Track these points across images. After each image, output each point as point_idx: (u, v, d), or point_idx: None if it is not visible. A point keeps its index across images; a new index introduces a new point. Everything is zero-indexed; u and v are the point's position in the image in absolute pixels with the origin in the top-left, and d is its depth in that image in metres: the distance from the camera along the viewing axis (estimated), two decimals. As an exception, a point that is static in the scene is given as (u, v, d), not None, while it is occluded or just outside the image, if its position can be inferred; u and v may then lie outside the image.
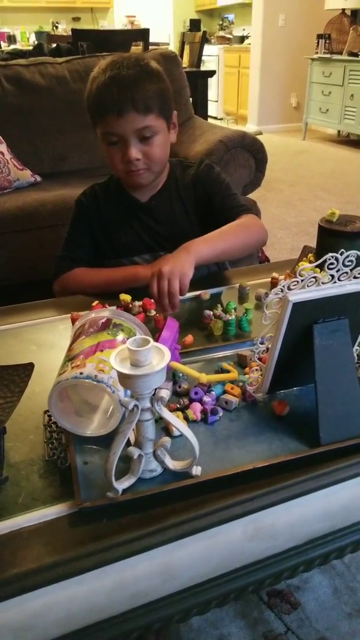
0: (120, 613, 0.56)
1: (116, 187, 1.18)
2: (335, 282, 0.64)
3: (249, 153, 1.96)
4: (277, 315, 0.64)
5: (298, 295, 0.62)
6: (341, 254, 0.62)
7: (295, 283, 0.62)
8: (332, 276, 0.64)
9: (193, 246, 0.99)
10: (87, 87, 1.08)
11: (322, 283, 0.63)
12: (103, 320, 0.72)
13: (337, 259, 0.63)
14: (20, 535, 0.55)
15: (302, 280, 0.62)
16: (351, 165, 4.58)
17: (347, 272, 0.64)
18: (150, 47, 3.30)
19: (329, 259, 0.62)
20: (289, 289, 0.62)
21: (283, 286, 0.62)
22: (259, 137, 2.02)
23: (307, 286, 0.63)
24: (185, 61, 4.31)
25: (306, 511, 0.64)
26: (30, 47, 4.43)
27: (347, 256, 0.63)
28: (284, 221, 3.21)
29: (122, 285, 1.08)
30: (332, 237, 0.92)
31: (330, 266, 0.63)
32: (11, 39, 6.96)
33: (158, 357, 0.56)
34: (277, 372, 0.70)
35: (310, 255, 1.05)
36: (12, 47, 5.89)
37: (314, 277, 0.63)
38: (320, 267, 0.63)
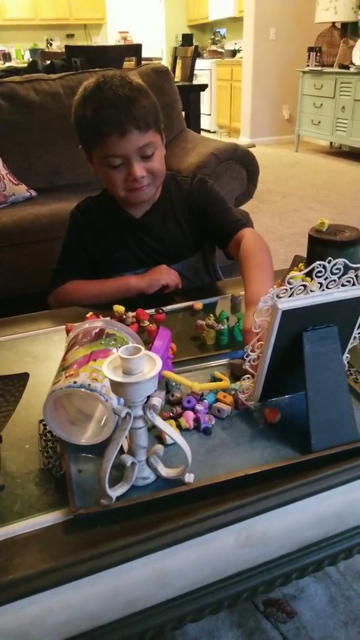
0: (114, 620, 0.57)
1: (110, 202, 1.18)
2: (323, 290, 0.65)
3: (240, 165, 1.98)
4: (267, 324, 0.66)
5: (287, 303, 0.64)
6: (329, 262, 0.64)
7: (285, 291, 0.63)
8: (321, 284, 0.65)
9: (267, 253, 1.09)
10: (77, 111, 1.07)
11: (311, 291, 0.65)
12: (96, 331, 0.73)
13: (325, 267, 0.64)
14: (16, 542, 0.55)
15: (291, 289, 0.64)
16: (343, 176, 4.63)
17: (335, 280, 0.65)
18: (143, 62, 3.35)
19: (317, 267, 0.63)
20: (278, 297, 0.63)
21: (272, 294, 0.63)
22: (252, 149, 2.05)
23: (296, 294, 0.64)
24: (177, 75, 4.36)
25: (298, 518, 0.65)
26: (25, 65, 4.49)
27: (335, 264, 0.64)
28: (277, 232, 3.23)
29: (114, 296, 1.09)
30: (321, 246, 0.93)
31: (319, 274, 0.64)
32: (6, 56, 7.03)
33: (149, 365, 0.57)
34: (269, 380, 0.71)
35: (300, 264, 1.07)
36: (7, 64, 5.96)
37: (303, 285, 0.64)
38: (309, 275, 0.65)
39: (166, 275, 1.12)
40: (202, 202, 1.20)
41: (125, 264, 1.18)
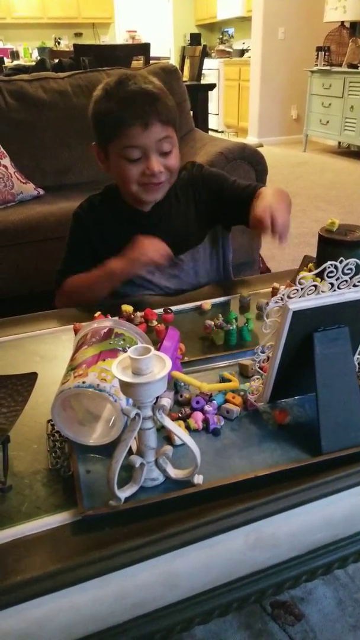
0: (122, 622, 0.56)
1: (114, 198, 1.17)
2: (334, 290, 0.65)
3: (249, 165, 1.97)
4: (277, 324, 0.65)
5: (298, 303, 0.63)
6: (340, 262, 0.63)
7: (295, 291, 0.63)
8: (332, 284, 0.64)
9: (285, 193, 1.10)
10: (98, 105, 1.07)
11: (322, 292, 0.64)
12: (105, 330, 0.72)
13: (336, 267, 0.63)
14: (24, 543, 0.55)
15: (301, 289, 0.63)
16: (352, 176, 4.60)
17: (346, 281, 0.65)
18: (151, 62, 3.35)
19: (329, 267, 0.63)
20: (288, 297, 0.63)
21: (283, 295, 0.63)
22: (259, 149, 2.04)
23: (307, 294, 0.64)
24: (185, 75, 4.36)
25: (308, 520, 0.64)
26: (33, 63, 4.50)
27: (347, 264, 0.63)
28: (285, 232, 3.22)
29: (104, 285, 1.08)
30: (332, 246, 0.93)
31: (330, 274, 0.63)
32: (14, 54, 7.06)
33: (159, 365, 0.56)
34: (278, 381, 0.70)
35: (310, 264, 1.06)
36: (16, 62, 5.98)
37: (314, 286, 0.63)
38: (320, 275, 0.64)
39: (149, 251, 1.05)
40: (208, 184, 1.20)
41: None
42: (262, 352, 0.70)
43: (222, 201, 1.19)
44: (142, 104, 1.02)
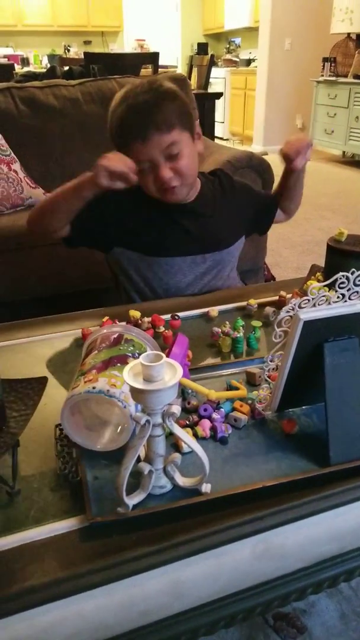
0: (128, 631, 0.56)
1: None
2: (345, 301, 0.65)
3: (256, 173, 1.98)
4: (287, 334, 0.65)
5: (309, 313, 0.63)
6: (352, 273, 0.63)
7: (307, 301, 0.63)
8: (343, 295, 0.64)
9: None
10: (110, 121, 1.11)
11: (334, 302, 0.64)
12: (115, 336, 0.72)
13: (348, 278, 0.63)
14: (31, 548, 0.55)
15: (312, 299, 0.63)
16: (356, 185, 4.62)
17: (357, 292, 0.65)
18: (160, 70, 3.38)
19: (340, 278, 0.63)
20: (299, 307, 0.63)
21: (294, 304, 0.63)
22: (264, 157, 2.04)
23: (318, 304, 0.64)
24: (193, 83, 4.39)
25: (315, 532, 0.64)
26: (43, 70, 4.53)
27: (358, 275, 0.63)
28: (289, 240, 3.23)
29: (69, 193, 1.06)
30: (341, 257, 0.93)
31: (341, 285, 0.63)
32: (24, 61, 7.12)
33: (170, 372, 0.56)
34: (287, 390, 0.70)
35: (318, 274, 1.06)
36: (26, 69, 6.03)
37: (324, 296, 0.63)
38: (329, 285, 0.64)
39: (114, 159, 1.01)
40: (244, 196, 1.28)
41: (159, 247, 1.16)
42: (272, 360, 0.70)
43: (253, 213, 1.27)
44: (137, 118, 1.03)
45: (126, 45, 8.29)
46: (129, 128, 1.04)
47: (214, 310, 1.05)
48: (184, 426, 0.72)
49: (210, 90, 4.82)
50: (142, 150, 1.04)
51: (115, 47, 8.19)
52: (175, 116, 1.06)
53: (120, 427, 0.68)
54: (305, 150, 1.14)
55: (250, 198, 1.30)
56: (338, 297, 0.64)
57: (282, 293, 1.08)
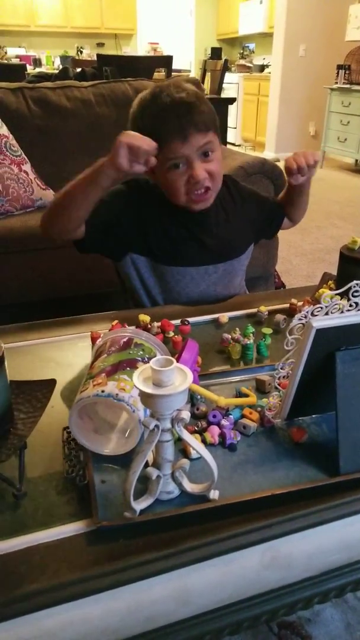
0: (133, 636, 0.56)
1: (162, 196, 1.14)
2: (359, 309, 0.64)
3: (268, 179, 1.98)
4: (299, 341, 0.65)
5: (321, 321, 0.62)
6: (365, 283, 0.63)
7: (319, 309, 0.62)
8: (356, 304, 0.64)
9: None
10: (135, 122, 1.08)
11: (347, 310, 0.64)
12: (125, 340, 0.72)
13: (361, 287, 0.63)
14: (37, 551, 0.54)
15: (325, 307, 0.63)
16: (368, 194, 4.60)
17: (370, 301, 0.64)
18: (173, 74, 3.38)
19: (354, 287, 0.63)
20: (312, 315, 0.62)
21: (307, 312, 0.62)
22: (276, 163, 2.04)
23: (331, 313, 0.63)
24: (206, 88, 4.39)
25: (324, 541, 0.63)
26: (56, 71, 4.55)
27: (372, 284, 0.63)
28: (299, 248, 3.22)
29: (85, 182, 1.01)
30: (354, 265, 0.92)
31: (355, 294, 0.63)
32: (37, 62, 7.16)
33: (180, 377, 0.56)
34: (297, 398, 0.70)
35: (330, 282, 1.06)
36: (38, 70, 6.06)
37: (337, 304, 0.63)
38: (342, 294, 0.64)
39: (134, 137, 0.94)
40: (250, 201, 1.28)
41: (174, 256, 1.15)
42: (282, 368, 0.69)
43: (263, 218, 1.28)
44: (177, 117, 1.02)
45: (139, 48, 8.32)
46: (167, 128, 1.02)
47: (224, 317, 1.05)
48: (192, 432, 0.71)
49: (223, 95, 4.83)
50: (182, 148, 1.03)
51: (128, 50, 8.22)
52: (210, 118, 1.06)
53: (128, 432, 0.68)
54: (310, 166, 1.11)
55: (258, 204, 1.30)
56: (351, 305, 0.64)
57: (293, 301, 1.07)
